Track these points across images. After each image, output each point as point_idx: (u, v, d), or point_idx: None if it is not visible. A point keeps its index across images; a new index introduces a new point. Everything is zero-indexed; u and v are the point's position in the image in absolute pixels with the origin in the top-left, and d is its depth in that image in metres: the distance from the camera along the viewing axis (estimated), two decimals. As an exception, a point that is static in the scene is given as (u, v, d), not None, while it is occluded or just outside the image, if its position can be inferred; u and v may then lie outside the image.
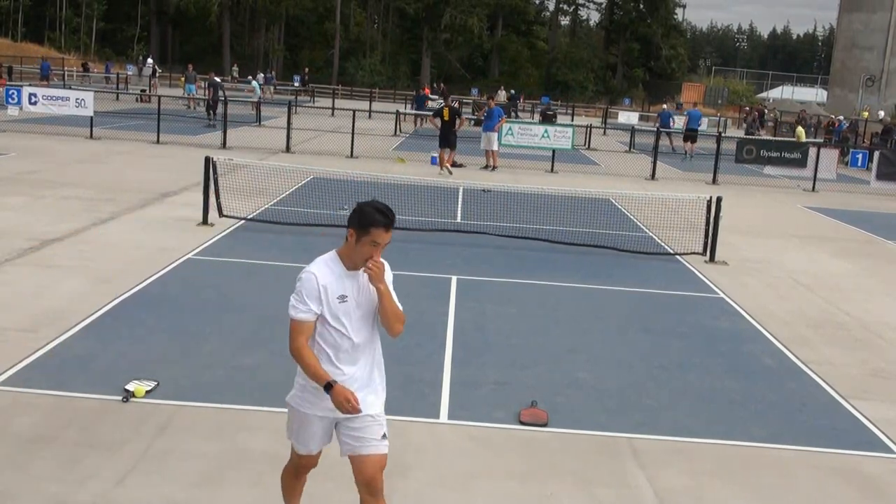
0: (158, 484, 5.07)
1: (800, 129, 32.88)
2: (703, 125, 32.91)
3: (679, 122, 33.80)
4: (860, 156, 25.83)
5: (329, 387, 3.87)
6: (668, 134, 30.69)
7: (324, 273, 3.93)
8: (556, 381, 7.21)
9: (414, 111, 36.92)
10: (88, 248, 10.80)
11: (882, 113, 36.16)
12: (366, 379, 4.08)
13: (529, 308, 9.43)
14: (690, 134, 29.40)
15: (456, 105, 23.81)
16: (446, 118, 21.84)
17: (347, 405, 3.86)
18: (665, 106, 40.64)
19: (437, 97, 38.31)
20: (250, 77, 50.08)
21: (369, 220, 3.84)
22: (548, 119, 34.56)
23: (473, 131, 26.35)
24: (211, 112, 30.89)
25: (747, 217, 17.29)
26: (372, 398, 4.07)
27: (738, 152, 24.35)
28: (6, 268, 9.61)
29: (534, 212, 15.06)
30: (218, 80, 33.50)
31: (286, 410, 6.13)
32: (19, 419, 5.80)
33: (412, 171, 20.40)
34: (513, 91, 49.54)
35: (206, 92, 33.41)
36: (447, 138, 21.66)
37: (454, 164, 22.06)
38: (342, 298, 3.93)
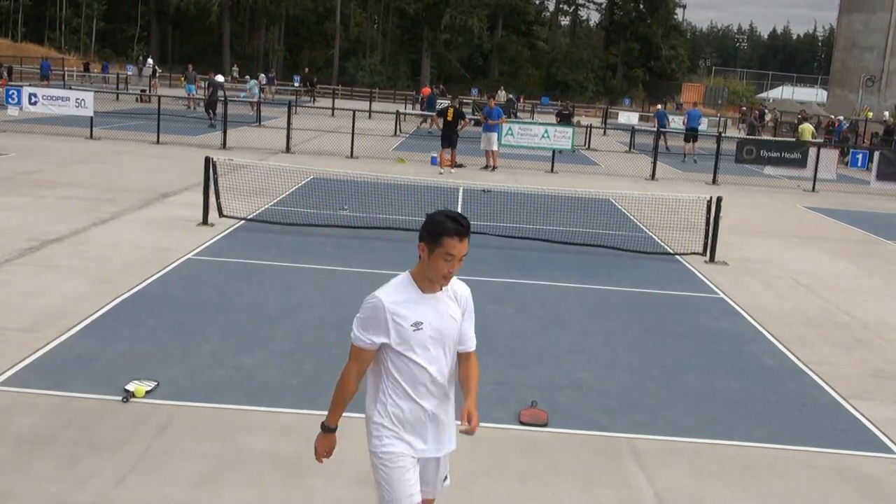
0: (158, 484, 5.07)
1: (806, 126, 31.17)
2: (703, 125, 32.82)
3: (677, 121, 33.68)
4: (860, 156, 25.83)
5: (325, 428, 3.70)
6: (664, 134, 30.62)
7: (393, 298, 3.51)
8: (556, 381, 7.21)
9: (426, 112, 36.76)
10: (88, 248, 10.80)
11: (887, 114, 35.99)
12: (447, 413, 3.70)
13: (529, 308, 9.43)
14: (691, 133, 29.36)
15: (457, 105, 23.93)
16: (450, 118, 21.94)
17: (315, 455, 3.74)
18: (660, 106, 40.58)
19: (441, 97, 38.21)
20: (247, 76, 49.99)
21: (440, 228, 3.47)
22: (565, 119, 33.59)
23: (474, 131, 26.39)
24: (211, 112, 30.86)
25: (747, 217, 17.29)
26: (448, 435, 3.73)
27: (738, 152, 24.36)
28: (6, 268, 9.61)
29: (534, 212, 15.05)
30: (221, 79, 33.40)
31: (286, 410, 6.06)
32: (19, 419, 5.80)
33: (412, 171, 20.40)
34: (511, 96, 49.41)
35: (206, 91, 33.42)
36: (449, 138, 21.80)
37: (455, 165, 22.12)
38: (417, 326, 3.50)
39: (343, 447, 5.18)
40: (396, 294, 3.52)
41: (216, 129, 26.27)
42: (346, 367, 3.61)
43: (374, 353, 3.56)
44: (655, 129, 28.12)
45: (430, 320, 3.52)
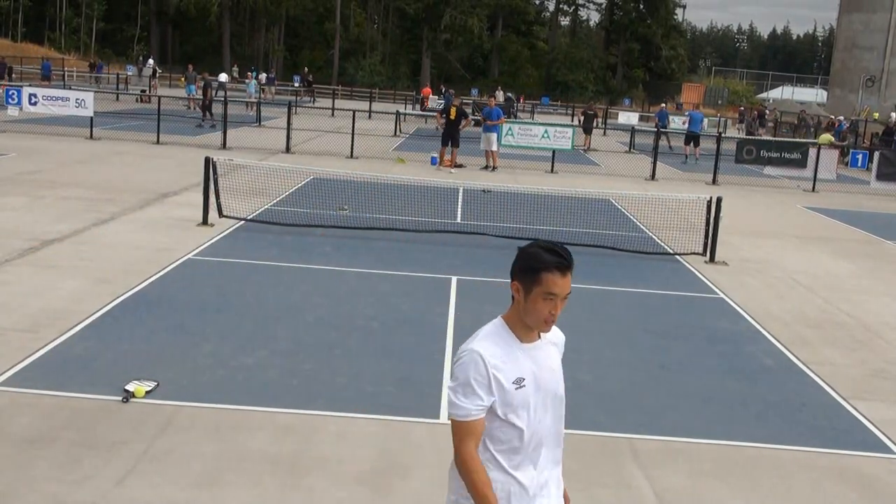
0: (158, 484, 5.07)
1: (826, 135, 30.08)
2: (704, 126, 32.72)
3: (678, 122, 33.53)
4: (860, 156, 25.84)
5: None
6: (666, 134, 30.55)
7: (491, 350, 2.89)
8: (556, 381, 7.19)
9: (437, 111, 36.66)
10: (88, 248, 10.80)
11: (894, 115, 35.91)
12: (551, 485, 3.05)
13: (529, 308, 9.40)
14: (692, 136, 29.31)
15: (458, 104, 23.98)
16: (453, 117, 22.01)
17: None
18: (663, 105, 40.49)
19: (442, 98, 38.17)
20: (249, 73, 50.00)
21: (537, 262, 2.91)
22: (589, 119, 32.55)
23: (474, 131, 26.42)
24: (208, 113, 30.81)
25: (747, 217, 17.29)
26: None
27: (738, 152, 24.36)
28: (6, 268, 9.61)
29: (534, 212, 15.06)
30: (225, 78, 33.22)
31: (286, 410, 6.03)
32: (19, 419, 5.80)
33: (412, 171, 20.42)
34: (509, 95, 49.31)
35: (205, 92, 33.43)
36: (452, 136, 21.86)
37: (455, 165, 22.15)
38: (519, 383, 2.90)
39: (343, 447, 5.20)
40: (492, 345, 2.92)
41: (216, 130, 26.26)
42: (463, 453, 2.86)
43: (483, 422, 2.90)
44: (656, 129, 28.07)
45: (532, 373, 2.95)
